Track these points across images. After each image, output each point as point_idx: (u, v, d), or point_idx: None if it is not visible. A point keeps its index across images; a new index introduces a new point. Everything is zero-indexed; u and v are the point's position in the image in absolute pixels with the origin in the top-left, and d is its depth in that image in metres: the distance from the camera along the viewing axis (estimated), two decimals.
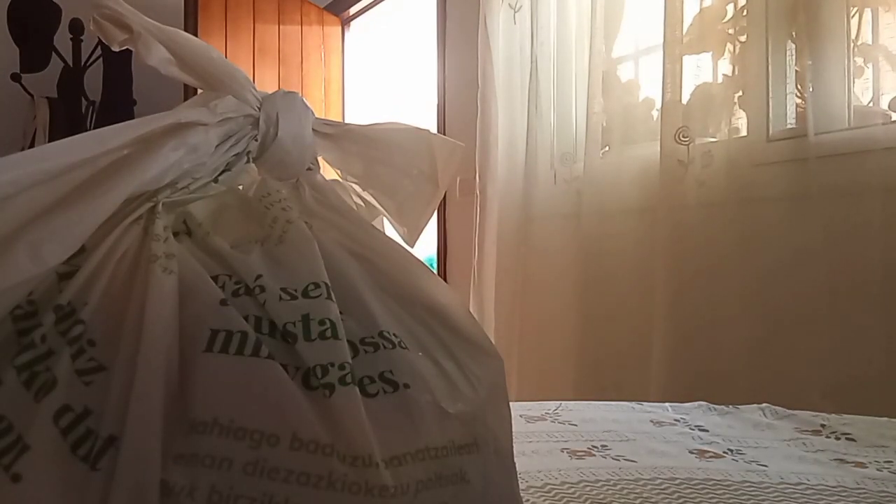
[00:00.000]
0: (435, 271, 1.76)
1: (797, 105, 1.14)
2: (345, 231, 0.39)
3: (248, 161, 0.40)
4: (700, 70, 1.25)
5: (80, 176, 0.34)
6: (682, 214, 1.21)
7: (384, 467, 0.31)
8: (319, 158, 0.44)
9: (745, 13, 1.18)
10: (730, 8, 1.21)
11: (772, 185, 1.12)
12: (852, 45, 1.07)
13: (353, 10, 2.58)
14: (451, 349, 0.37)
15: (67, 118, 2.35)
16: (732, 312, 1.12)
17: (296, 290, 0.35)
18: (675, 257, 1.20)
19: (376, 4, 2.51)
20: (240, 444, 0.30)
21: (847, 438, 0.60)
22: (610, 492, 0.44)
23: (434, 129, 2.01)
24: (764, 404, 0.71)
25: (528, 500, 0.41)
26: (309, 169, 0.42)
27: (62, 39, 2.34)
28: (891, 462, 0.53)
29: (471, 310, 1.55)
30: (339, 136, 0.44)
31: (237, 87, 0.40)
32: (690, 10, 1.24)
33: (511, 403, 0.39)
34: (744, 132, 1.20)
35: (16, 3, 2.27)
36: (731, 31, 1.21)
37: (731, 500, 0.44)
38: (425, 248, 1.98)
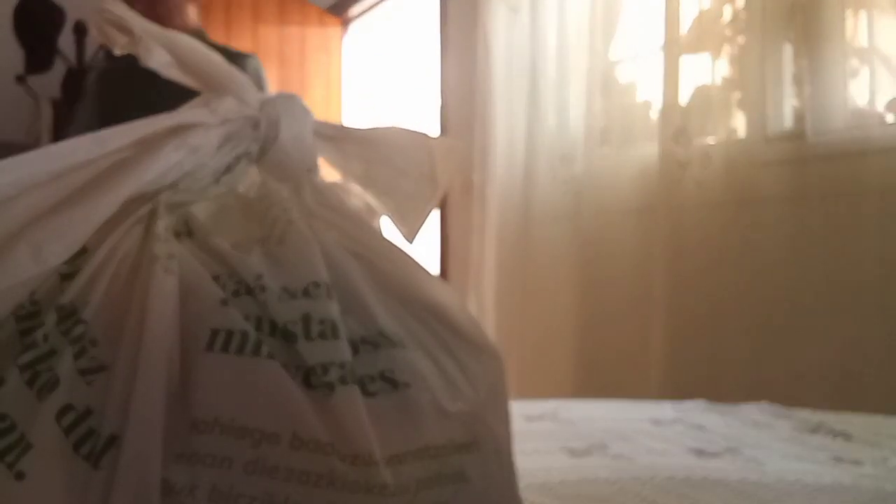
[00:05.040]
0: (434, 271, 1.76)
1: (795, 106, 1.15)
2: (345, 231, 0.39)
3: (248, 163, 0.40)
4: (698, 71, 1.25)
5: (82, 177, 0.34)
6: (681, 215, 1.21)
7: (384, 466, 0.31)
8: (319, 160, 0.44)
9: (742, 15, 1.18)
10: (728, 10, 1.22)
11: (770, 186, 1.12)
12: (849, 46, 1.07)
13: (353, 11, 2.59)
14: (451, 348, 0.37)
15: (71, 120, 2.35)
16: (731, 312, 1.12)
17: (296, 290, 0.35)
18: (674, 258, 1.20)
19: (377, 6, 2.51)
20: (240, 443, 0.30)
21: (844, 437, 0.60)
22: (608, 490, 0.44)
23: (434, 130, 2.02)
24: (762, 403, 0.71)
25: (527, 499, 0.41)
26: (309, 170, 0.42)
27: (66, 41, 2.35)
28: (887, 460, 0.53)
29: (471, 310, 1.54)
30: (339, 138, 0.44)
31: (237, 89, 0.40)
32: (689, 12, 1.25)
33: (511, 403, 0.39)
34: (742, 133, 1.20)
35: (21, 5, 2.27)
36: (729, 32, 1.22)
37: (729, 499, 0.44)
38: (426, 248, 1.98)
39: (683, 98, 1.24)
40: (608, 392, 1.20)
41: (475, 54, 1.66)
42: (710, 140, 1.22)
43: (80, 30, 2.34)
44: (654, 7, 1.28)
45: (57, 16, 2.29)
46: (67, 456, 0.29)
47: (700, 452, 0.54)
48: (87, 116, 1.19)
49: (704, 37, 1.23)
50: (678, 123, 1.22)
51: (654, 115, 1.33)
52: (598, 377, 1.32)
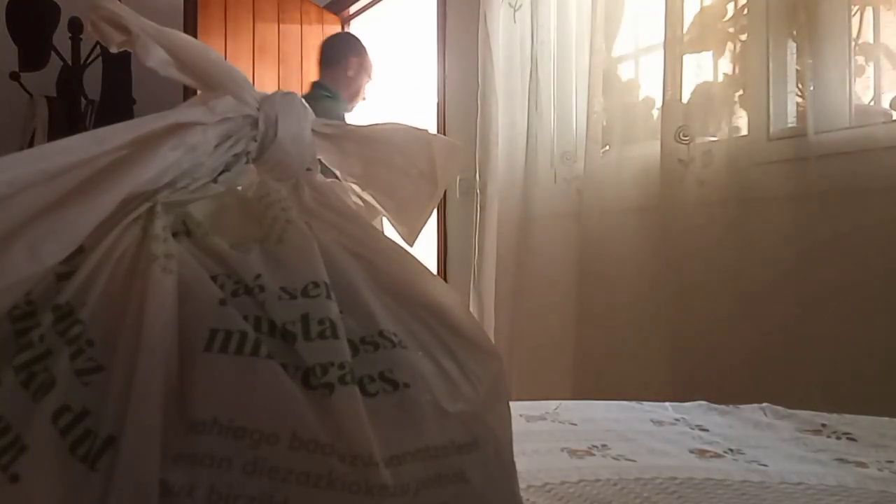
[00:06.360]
0: (435, 271, 1.76)
1: (798, 104, 1.14)
2: (344, 231, 0.39)
3: (247, 161, 0.40)
4: (700, 69, 1.25)
5: (79, 176, 0.33)
6: (683, 214, 1.21)
7: (384, 467, 0.31)
8: (318, 159, 0.44)
9: (745, 12, 1.18)
10: (730, 7, 1.21)
11: (772, 184, 1.12)
12: (853, 43, 1.07)
13: (352, 8, 2.58)
14: (451, 349, 0.37)
15: (66, 117, 2.35)
16: (732, 312, 1.12)
17: (295, 290, 0.35)
18: (675, 256, 1.20)
19: (376, 3, 2.51)
20: (239, 443, 0.30)
21: (848, 438, 0.60)
22: (610, 491, 0.44)
23: (434, 129, 2.01)
24: (764, 404, 0.71)
25: (527, 500, 0.41)
26: (308, 169, 0.42)
27: (61, 38, 2.34)
28: (891, 462, 0.53)
29: (471, 310, 1.55)
30: (338, 136, 0.44)
31: (236, 87, 0.40)
32: (691, 9, 1.24)
33: (511, 403, 0.39)
34: (744, 131, 1.20)
35: (15, 2, 2.27)
36: (731, 29, 1.21)
37: (731, 500, 0.44)
38: (426, 248, 1.98)
39: (685, 96, 1.23)
40: (608, 392, 1.20)
41: (475, 52, 1.65)
42: (713, 138, 1.21)
43: (76, 27, 2.33)
44: (656, 4, 1.27)
45: (51, 13, 2.29)
46: (64, 458, 0.29)
47: (702, 453, 0.54)
48: None
49: (706, 34, 1.22)
50: (680, 121, 1.21)
51: (656, 113, 1.33)
52: (598, 377, 1.31)
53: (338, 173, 0.45)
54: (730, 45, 1.21)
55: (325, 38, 1.88)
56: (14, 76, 2.33)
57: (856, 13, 1.08)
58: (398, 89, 2.75)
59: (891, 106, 1.05)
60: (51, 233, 0.31)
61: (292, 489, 0.30)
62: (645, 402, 0.73)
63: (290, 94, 0.42)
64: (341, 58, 1.75)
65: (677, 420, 0.65)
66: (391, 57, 2.74)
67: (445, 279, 1.90)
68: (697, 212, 1.19)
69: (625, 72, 1.46)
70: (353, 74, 1.74)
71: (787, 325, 1.06)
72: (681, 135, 1.22)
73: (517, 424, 0.40)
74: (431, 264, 2.01)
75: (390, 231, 0.48)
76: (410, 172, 0.45)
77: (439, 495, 0.33)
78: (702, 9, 1.24)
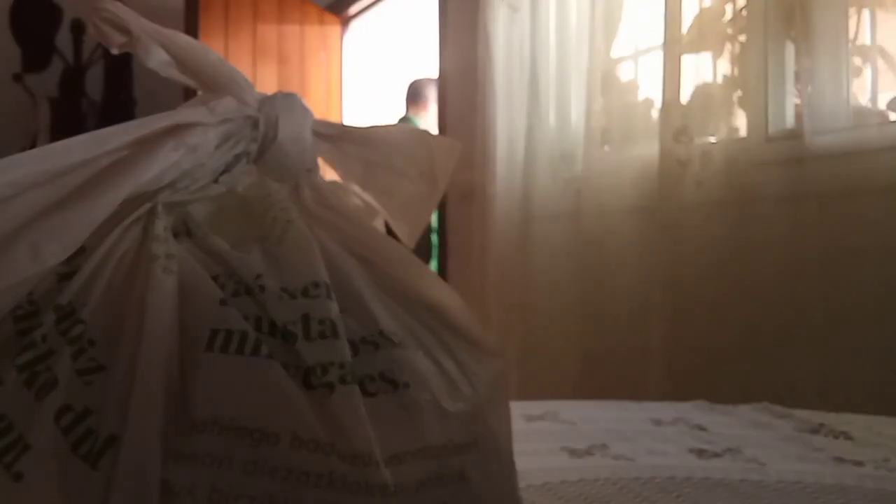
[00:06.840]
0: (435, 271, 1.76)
1: (796, 105, 1.15)
2: (345, 231, 0.39)
3: (247, 162, 0.40)
4: (699, 70, 1.25)
5: (80, 176, 0.34)
6: (681, 214, 1.21)
7: (384, 466, 0.31)
8: (319, 159, 0.44)
9: (744, 13, 1.18)
10: (729, 8, 1.22)
11: (771, 184, 1.12)
12: (850, 45, 1.07)
13: (352, 10, 2.59)
14: (451, 348, 0.37)
15: (68, 118, 2.36)
16: (731, 312, 1.12)
17: (296, 290, 0.35)
18: (674, 257, 1.20)
19: (376, 4, 2.51)
20: (240, 443, 0.30)
21: (845, 437, 0.60)
22: (609, 490, 0.44)
23: (434, 129, 2.02)
24: (763, 403, 0.71)
25: (528, 500, 0.41)
26: (308, 170, 0.42)
27: (63, 39, 2.35)
28: (888, 460, 0.53)
29: (471, 310, 1.55)
30: (338, 137, 0.44)
31: (236, 88, 0.40)
32: (690, 11, 1.25)
33: (511, 403, 0.39)
34: (743, 132, 1.20)
35: (17, 4, 2.28)
36: (730, 30, 1.21)
37: (729, 499, 0.44)
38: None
39: (684, 97, 1.23)
40: (608, 392, 1.20)
41: (475, 53, 1.66)
42: (711, 139, 1.22)
43: (78, 28, 2.34)
44: (655, 5, 1.28)
45: (54, 14, 2.30)
46: (66, 456, 0.29)
47: (701, 453, 0.54)
48: None
49: (705, 35, 1.23)
50: (679, 122, 1.22)
51: (655, 113, 1.33)
52: (597, 377, 1.32)
53: (338, 174, 0.45)
54: (728, 47, 1.22)
55: (410, 81, 2.42)
56: (17, 77, 2.34)
57: (853, 15, 1.08)
58: (398, 90, 2.75)
59: (888, 107, 1.06)
60: (52, 233, 0.32)
61: (292, 489, 0.30)
62: (645, 402, 0.74)
63: (291, 95, 0.42)
64: (423, 98, 2.37)
65: (676, 420, 0.65)
66: (391, 58, 2.75)
67: (445, 279, 1.90)
68: (696, 212, 1.20)
69: (624, 72, 1.46)
70: (430, 110, 2.33)
71: (785, 325, 1.07)
72: (680, 135, 1.22)
73: (517, 424, 0.40)
74: (431, 264, 2.01)
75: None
76: (410, 173, 0.45)
77: (439, 495, 0.33)
78: (701, 10, 1.25)
